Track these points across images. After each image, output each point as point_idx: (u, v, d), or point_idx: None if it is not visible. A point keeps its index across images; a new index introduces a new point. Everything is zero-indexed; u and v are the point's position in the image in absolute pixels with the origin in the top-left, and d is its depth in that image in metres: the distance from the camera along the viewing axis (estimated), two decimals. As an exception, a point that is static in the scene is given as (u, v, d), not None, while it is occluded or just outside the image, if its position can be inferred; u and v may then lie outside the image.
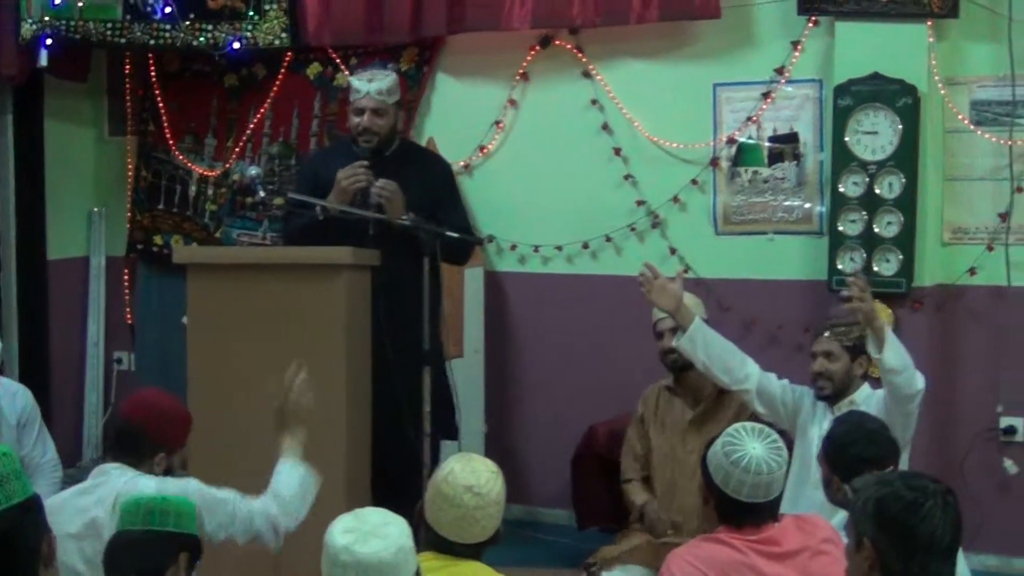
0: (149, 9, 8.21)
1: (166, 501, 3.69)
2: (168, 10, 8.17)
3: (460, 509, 3.91)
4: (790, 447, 5.51)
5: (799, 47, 7.16)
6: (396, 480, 6.18)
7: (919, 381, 5.28)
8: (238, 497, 4.54)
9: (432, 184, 6.53)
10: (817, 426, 5.62)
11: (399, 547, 3.35)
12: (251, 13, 8.08)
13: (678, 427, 6.10)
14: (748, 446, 4.00)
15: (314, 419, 5.60)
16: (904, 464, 5.07)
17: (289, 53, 8.31)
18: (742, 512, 4.01)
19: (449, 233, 6.15)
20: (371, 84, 6.42)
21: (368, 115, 6.39)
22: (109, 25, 8.30)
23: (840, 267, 6.83)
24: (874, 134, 6.77)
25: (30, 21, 8.34)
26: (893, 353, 5.23)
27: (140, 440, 4.51)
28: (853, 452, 4.51)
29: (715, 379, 5.79)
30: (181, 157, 8.80)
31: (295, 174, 8.01)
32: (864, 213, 6.79)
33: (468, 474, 3.96)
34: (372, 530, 3.37)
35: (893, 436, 4.68)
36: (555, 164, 7.83)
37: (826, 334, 5.60)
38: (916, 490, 3.21)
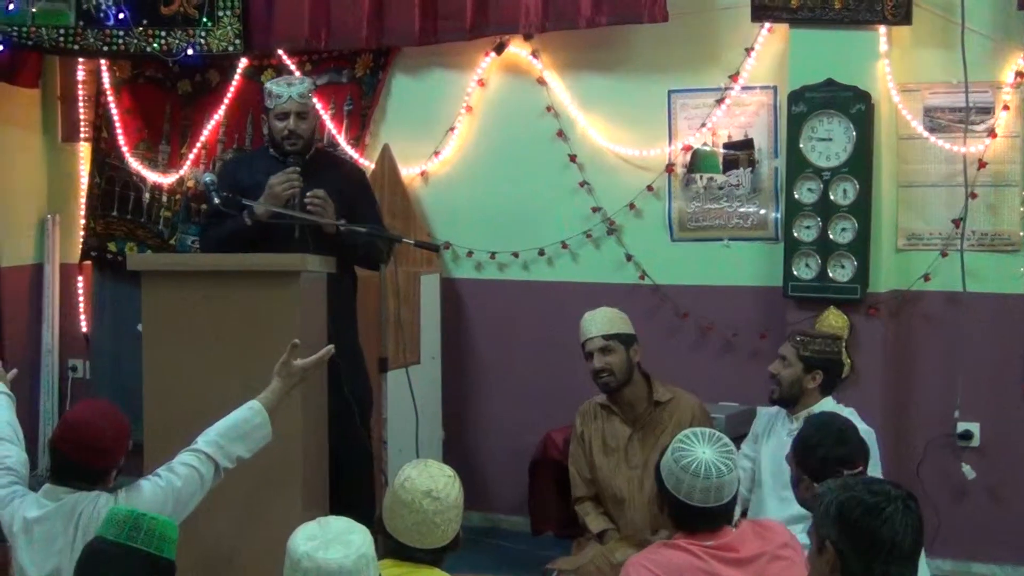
0: (102, 15, 8.19)
1: (153, 520, 3.60)
2: (121, 16, 8.15)
3: (419, 514, 3.91)
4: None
5: (753, 54, 7.18)
6: (350, 486, 6.19)
7: None
8: (173, 477, 4.55)
9: (349, 188, 6.53)
10: (776, 436, 5.64)
11: (360, 554, 3.35)
12: (204, 19, 8.05)
13: (620, 444, 6.03)
14: (698, 451, 4.02)
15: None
16: None
17: (244, 59, 8.28)
18: (695, 517, 4.03)
19: (406, 240, 6.17)
20: (292, 88, 6.42)
21: (293, 119, 6.39)
22: (61, 31, 8.27)
23: (795, 273, 6.86)
24: (828, 140, 6.80)
25: (-19, 28, 8.31)
26: None
27: (88, 471, 4.45)
28: (822, 452, 4.54)
29: None
30: (135, 164, 8.76)
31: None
32: (819, 219, 6.81)
33: (425, 479, 3.97)
34: (335, 537, 3.38)
35: (862, 437, 4.70)
36: (511, 171, 7.84)
37: (793, 339, 5.63)
38: (878, 494, 3.23)
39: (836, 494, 3.29)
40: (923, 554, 4.65)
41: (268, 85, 6.56)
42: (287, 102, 6.38)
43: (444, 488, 3.96)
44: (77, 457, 4.41)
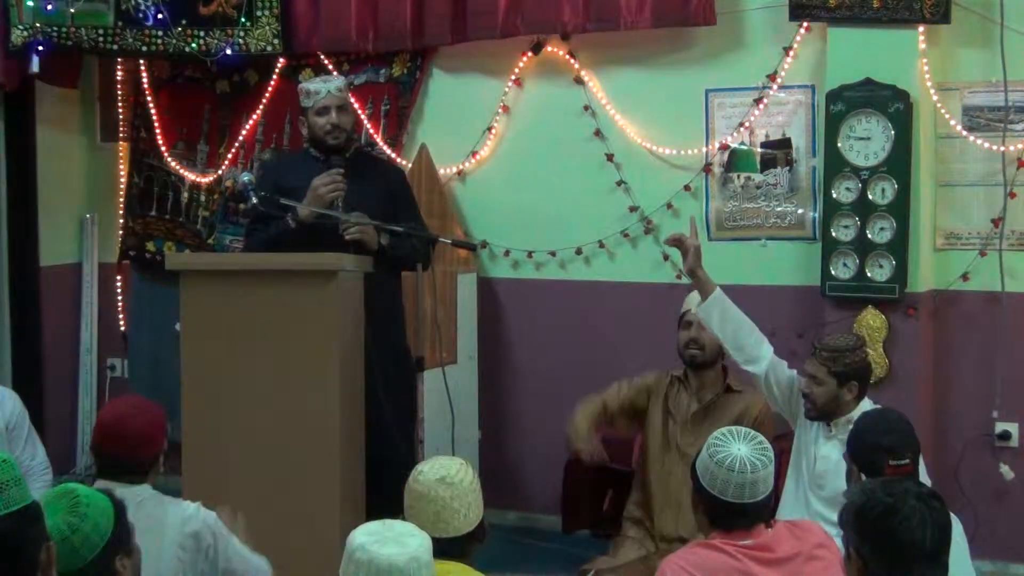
0: (141, 15, 8.22)
1: (83, 521, 3.42)
2: (160, 16, 8.18)
3: (436, 503, 3.94)
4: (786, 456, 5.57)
5: (791, 53, 7.16)
6: (386, 486, 6.19)
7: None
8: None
9: (392, 191, 6.56)
10: (812, 446, 5.60)
11: (413, 556, 3.36)
12: (243, 19, 8.08)
13: (683, 418, 6.10)
14: (733, 447, 4.03)
15: (307, 427, 5.63)
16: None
17: (282, 59, 8.31)
18: (730, 514, 4.02)
19: (443, 239, 6.19)
20: (329, 84, 6.48)
21: (335, 112, 6.41)
22: (101, 32, 8.30)
23: (833, 272, 6.84)
24: (866, 140, 6.77)
25: (21, 27, 8.34)
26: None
27: (134, 464, 4.48)
28: (870, 440, 4.57)
29: (728, 353, 5.82)
30: (173, 163, 8.80)
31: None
32: (857, 219, 6.79)
33: (437, 469, 4.01)
34: (394, 537, 3.41)
35: (912, 430, 4.68)
36: (548, 170, 7.83)
37: (820, 355, 5.56)
38: (894, 495, 3.22)
39: (856, 498, 3.29)
40: (967, 555, 4.66)
41: (303, 85, 6.58)
42: (326, 97, 6.41)
43: (457, 473, 4.00)
44: (121, 455, 4.45)
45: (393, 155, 8.05)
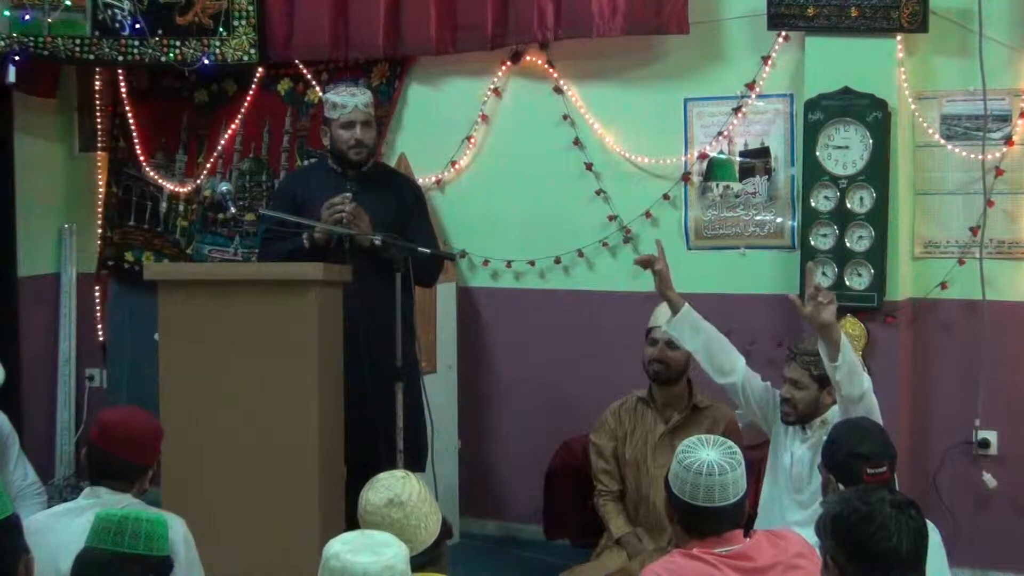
0: (117, 25, 8.20)
1: (139, 521, 3.58)
2: (136, 26, 8.16)
3: (394, 527, 3.85)
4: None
5: (769, 62, 7.17)
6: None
7: (865, 382, 5.24)
8: None
9: (404, 205, 6.60)
10: (788, 450, 5.62)
11: (387, 565, 3.32)
12: (220, 29, 8.07)
13: (649, 439, 6.11)
14: (702, 453, 4.04)
15: (286, 435, 5.61)
16: None
17: (260, 69, 8.30)
18: (702, 519, 4.01)
19: (421, 249, 6.19)
20: (356, 98, 6.51)
21: (360, 128, 6.48)
22: (77, 41, 8.27)
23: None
24: (845, 148, 6.78)
25: (-3, 37, 8.32)
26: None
27: (126, 467, 4.51)
28: (846, 449, 4.56)
29: (702, 368, 5.82)
30: (152, 173, 8.77)
31: (272, 195, 8.00)
32: (835, 227, 6.79)
33: (381, 493, 3.95)
34: (370, 546, 3.37)
35: (887, 438, 4.68)
36: (527, 179, 7.83)
37: (800, 360, 5.58)
38: (870, 503, 3.22)
39: (832, 507, 3.29)
40: (945, 564, 4.66)
41: (329, 96, 6.64)
42: (352, 111, 6.47)
43: (403, 491, 3.94)
44: (116, 454, 4.46)
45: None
